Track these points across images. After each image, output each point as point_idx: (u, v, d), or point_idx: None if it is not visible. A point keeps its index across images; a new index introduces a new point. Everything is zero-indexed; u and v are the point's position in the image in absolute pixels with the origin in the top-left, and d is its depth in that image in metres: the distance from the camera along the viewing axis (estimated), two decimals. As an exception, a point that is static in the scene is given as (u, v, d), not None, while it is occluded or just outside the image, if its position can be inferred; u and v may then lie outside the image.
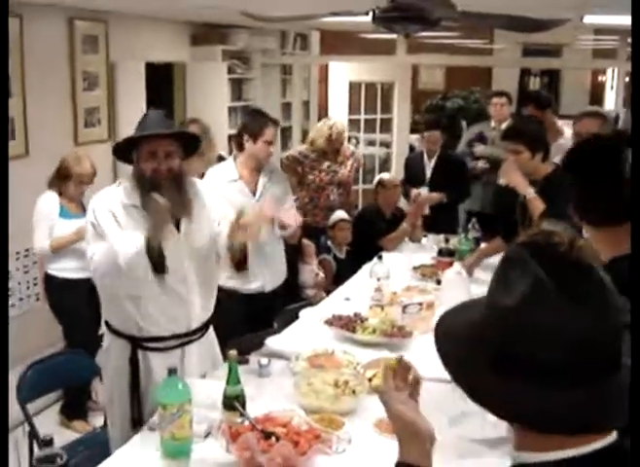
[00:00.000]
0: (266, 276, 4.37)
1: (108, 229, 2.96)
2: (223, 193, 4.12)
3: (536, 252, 1.23)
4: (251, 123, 4.33)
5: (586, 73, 14.86)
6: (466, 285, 4.05)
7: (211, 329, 3.35)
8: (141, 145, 2.99)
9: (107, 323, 3.19)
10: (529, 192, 3.92)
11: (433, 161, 6.21)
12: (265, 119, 4.33)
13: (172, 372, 2.50)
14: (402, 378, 1.72)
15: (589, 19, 5.90)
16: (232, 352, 2.65)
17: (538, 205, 3.86)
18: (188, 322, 3.16)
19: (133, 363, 3.10)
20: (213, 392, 2.80)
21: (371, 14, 2.50)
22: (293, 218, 3.96)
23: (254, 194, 4.32)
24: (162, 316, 3.09)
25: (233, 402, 2.59)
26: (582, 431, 1.17)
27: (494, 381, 1.20)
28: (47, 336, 5.02)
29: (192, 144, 3.16)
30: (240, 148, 4.36)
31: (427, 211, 5.84)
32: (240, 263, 3.20)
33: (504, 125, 6.67)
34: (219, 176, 4.31)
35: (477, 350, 1.22)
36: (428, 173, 6.21)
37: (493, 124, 6.82)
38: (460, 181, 6.05)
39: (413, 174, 6.27)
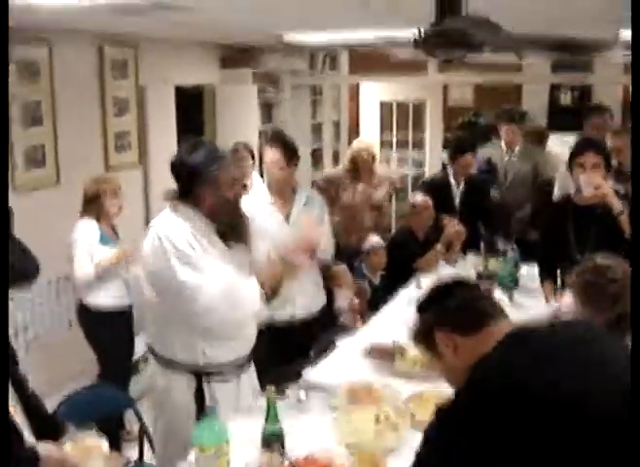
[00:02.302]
0: (296, 304, 4.13)
1: (199, 259, 2.93)
2: (257, 218, 4.04)
3: None
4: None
5: (618, 86, 14.65)
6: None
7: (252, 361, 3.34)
8: (221, 174, 3.01)
9: (165, 360, 3.11)
10: (622, 207, 3.67)
11: (462, 187, 5.91)
12: (268, 140, 4.23)
13: (210, 411, 2.42)
14: None
15: (625, 35, 5.75)
16: (271, 389, 2.56)
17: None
18: (247, 347, 3.19)
19: (199, 397, 3.07)
20: (251, 429, 2.71)
21: (413, 40, 2.41)
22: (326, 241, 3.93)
23: (287, 219, 4.16)
24: (227, 342, 3.10)
25: (273, 442, 2.50)
26: None
27: None
28: (79, 363, 4.97)
29: None
30: None
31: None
32: (273, 293, 3.18)
33: (517, 150, 6.56)
34: (252, 201, 4.16)
35: None
36: (457, 200, 5.92)
37: (504, 147, 6.63)
38: (486, 206, 5.88)
39: (439, 200, 5.86)
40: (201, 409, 3.01)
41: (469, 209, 5.81)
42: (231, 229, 3.07)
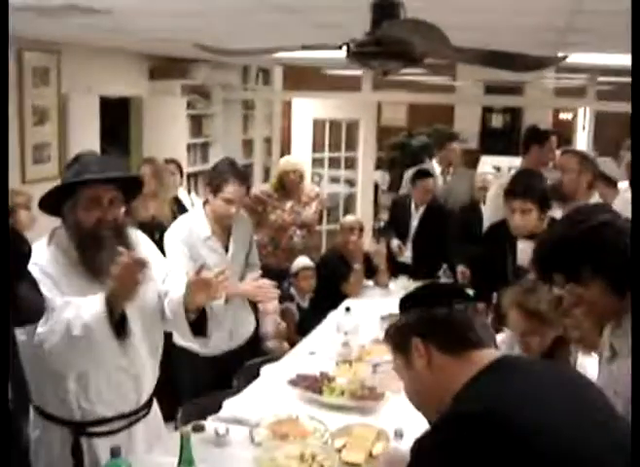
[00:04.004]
0: (232, 333, 3.98)
1: (52, 297, 2.51)
2: (195, 250, 3.80)
3: None
4: (213, 174, 3.88)
5: (548, 111, 14.86)
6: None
7: (155, 402, 2.97)
8: (80, 192, 2.58)
9: (38, 409, 2.73)
10: None
11: (421, 211, 5.90)
12: (228, 173, 3.80)
13: (115, 453, 2.19)
14: None
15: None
16: (186, 429, 2.35)
17: None
18: (137, 398, 2.79)
19: (76, 453, 2.66)
20: (164, 469, 2.49)
21: (345, 48, 2.24)
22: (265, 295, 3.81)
23: (226, 250, 3.92)
24: (111, 394, 2.70)
25: (186, 487, 2.28)
26: None
27: None
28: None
29: (134, 187, 2.80)
30: (205, 201, 3.97)
31: (408, 259, 5.65)
32: (198, 326, 2.85)
33: (451, 171, 6.51)
34: (189, 231, 3.84)
35: None
36: (413, 223, 5.89)
37: (437, 167, 6.57)
38: (444, 234, 5.70)
39: (399, 222, 5.99)
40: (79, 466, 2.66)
41: (424, 233, 5.75)
42: (87, 257, 2.59)
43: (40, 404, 2.71)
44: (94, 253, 2.59)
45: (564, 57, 2.50)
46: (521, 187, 3.87)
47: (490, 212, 5.23)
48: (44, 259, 2.58)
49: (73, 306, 2.50)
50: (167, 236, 3.81)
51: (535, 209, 3.75)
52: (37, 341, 2.49)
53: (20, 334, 2.58)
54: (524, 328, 2.74)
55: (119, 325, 2.55)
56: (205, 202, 3.96)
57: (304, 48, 2.37)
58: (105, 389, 2.68)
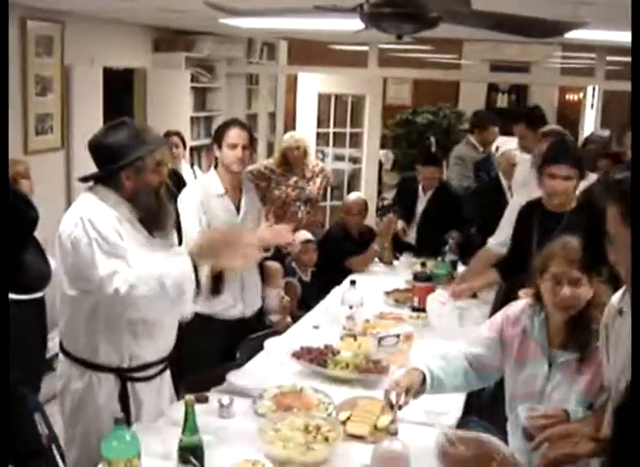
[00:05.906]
0: (245, 301, 4.03)
1: (124, 248, 2.69)
2: (208, 207, 3.92)
3: None
4: (216, 130, 4.10)
5: (554, 91, 14.76)
6: (455, 313, 3.81)
7: None
8: (145, 158, 2.81)
9: (84, 361, 2.81)
10: None
11: (429, 194, 5.61)
12: (228, 122, 4.10)
13: (118, 421, 2.17)
14: None
15: (571, 35, 5.65)
16: (190, 397, 2.31)
17: None
18: (170, 343, 2.99)
19: (124, 398, 2.82)
20: (168, 438, 2.48)
21: (358, 9, 2.19)
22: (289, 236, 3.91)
23: (238, 211, 4.02)
24: (156, 338, 2.89)
25: (189, 456, 2.25)
26: None
27: None
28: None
29: None
30: (216, 162, 4.07)
31: (412, 240, 5.56)
32: (215, 286, 2.93)
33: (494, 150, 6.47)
34: (205, 189, 4.00)
35: None
36: (420, 207, 5.64)
37: (480, 147, 6.52)
38: (456, 219, 5.45)
39: (404, 203, 5.79)
40: (126, 412, 2.75)
41: (431, 218, 5.58)
42: (152, 216, 2.85)
43: (89, 356, 2.80)
44: (158, 210, 2.87)
45: (583, 23, 2.44)
46: (564, 153, 3.75)
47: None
48: (104, 213, 2.73)
49: (158, 264, 2.71)
50: (182, 195, 3.99)
51: (576, 178, 3.64)
52: (126, 287, 2.59)
53: (70, 289, 2.72)
54: (571, 275, 2.59)
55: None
56: (216, 164, 4.06)
57: (317, 8, 2.31)
58: (153, 333, 2.85)
